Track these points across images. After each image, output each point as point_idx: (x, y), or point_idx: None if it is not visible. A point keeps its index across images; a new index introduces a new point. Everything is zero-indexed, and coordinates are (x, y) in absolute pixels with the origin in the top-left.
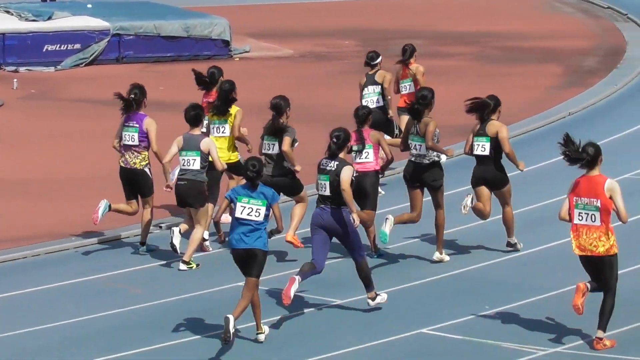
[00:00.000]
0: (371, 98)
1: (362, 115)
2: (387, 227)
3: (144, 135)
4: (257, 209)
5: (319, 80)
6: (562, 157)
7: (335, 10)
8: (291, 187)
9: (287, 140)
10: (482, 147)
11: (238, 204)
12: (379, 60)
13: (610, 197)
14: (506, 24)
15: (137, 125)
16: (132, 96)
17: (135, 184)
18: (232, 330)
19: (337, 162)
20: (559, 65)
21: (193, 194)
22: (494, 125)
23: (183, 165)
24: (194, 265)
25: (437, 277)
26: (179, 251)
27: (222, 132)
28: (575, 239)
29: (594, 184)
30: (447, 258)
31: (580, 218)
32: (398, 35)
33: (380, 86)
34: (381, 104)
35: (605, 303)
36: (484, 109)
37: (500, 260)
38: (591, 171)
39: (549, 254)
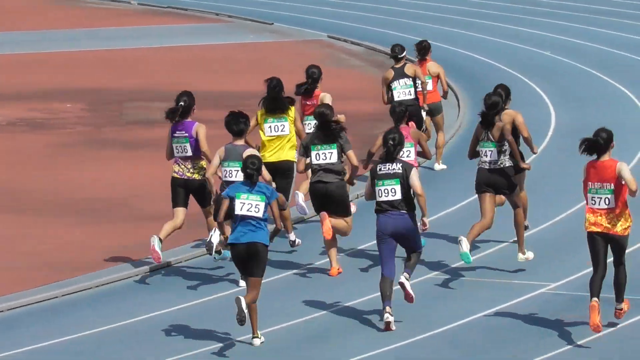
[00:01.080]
0: (403, 90)
1: (400, 113)
2: (465, 248)
3: (196, 142)
4: (256, 205)
5: (34, 156)
6: (582, 148)
7: (51, 63)
8: None
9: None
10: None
11: (237, 201)
12: (404, 54)
13: (619, 175)
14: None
15: (187, 134)
16: (182, 103)
17: (195, 194)
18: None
19: (401, 164)
20: (347, 134)
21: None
22: (509, 115)
23: (225, 176)
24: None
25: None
26: (214, 250)
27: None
28: (591, 217)
29: (606, 168)
30: (531, 255)
31: (594, 202)
32: (136, 96)
33: (411, 79)
34: (413, 96)
35: (619, 276)
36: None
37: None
38: (603, 156)
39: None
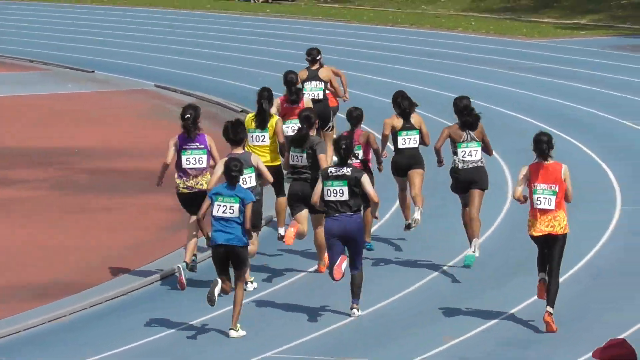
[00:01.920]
0: (314, 92)
1: (357, 117)
2: (477, 251)
3: (210, 155)
4: (230, 206)
5: None
6: (537, 151)
7: None
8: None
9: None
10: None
11: (215, 203)
12: (320, 56)
13: (564, 180)
14: (98, 136)
15: (203, 146)
16: (188, 116)
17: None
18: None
19: (351, 169)
20: (172, 196)
21: (256, 216)
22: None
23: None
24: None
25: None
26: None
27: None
28: (533, 221)
29: (552, 171)
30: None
31: (539, 202)
32: None
33: (323, 82)
34: (322, 98)
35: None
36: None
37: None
38: (548, 159)
39: None
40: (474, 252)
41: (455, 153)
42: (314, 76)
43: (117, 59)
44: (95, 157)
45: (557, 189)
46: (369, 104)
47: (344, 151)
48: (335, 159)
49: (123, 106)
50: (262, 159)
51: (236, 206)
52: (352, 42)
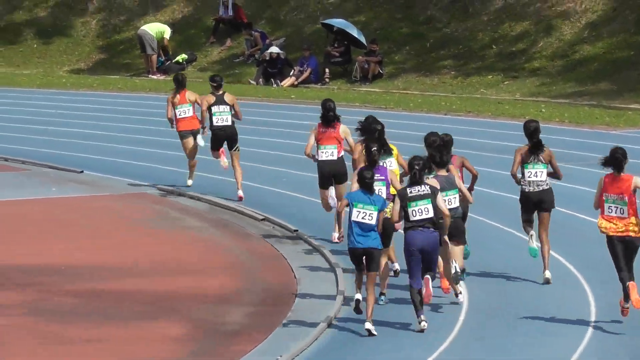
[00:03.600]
0: (222, 116)
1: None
2: (535, 243)
3: (389, 187)
4: (369, 214)
5: None
6: (605, 163)
7: None
8: None
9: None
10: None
11: (354, 209)
12: (223, 82)
13: (634, 191)
14: (87, 250)
15: (383, 178)
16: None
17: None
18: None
19: (429, 186)
20: (180, 322)
21: (461, 230)
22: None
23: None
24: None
25: None
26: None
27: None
28: (605, 223)
29: (623, 182)
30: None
31: (610, 211)
32: None
33: (229, 106)
34: (230, 122)
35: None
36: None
37: None
38: (621, 171)
39: None
40: (539, 245)
41: (522, 174)
42: (221, 101)
43: (110, 157)
44: (81, 277)
45: (627, 199)
46: None
47: (419, 168)
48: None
49: (116, 213)
50: None
51: (375, 214)
52: (401, 135)
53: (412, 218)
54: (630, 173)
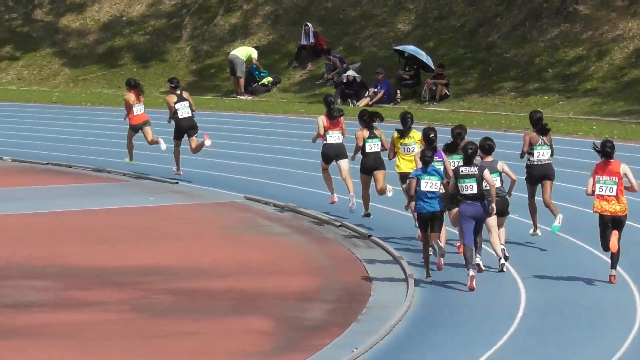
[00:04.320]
0: (184, 110)
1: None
2: (558, 222)
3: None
4: (435, 183)
5: None
6: (599, 153)
7: None
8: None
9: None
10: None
11: (422, 181)
12: (179, 83)
13: (624, 175)
14: (181, 253)
15: (441, 159)
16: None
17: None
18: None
19: (477, 167)
20: (266, 318)
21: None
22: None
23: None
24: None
25: None
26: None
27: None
28: (599, 202)
29: (613, 166)
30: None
31: (601, 190)
32: (4, 274)
33: (188, 102)
34: (190, 114)
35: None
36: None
37: None
38: (610, 158)
39: None
40: (559, 223)
41: (531, 154)
42: (182, 98)
43: (203, 169)
44: (177, 277)
45: (616, 180)
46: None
47: (470, 154)
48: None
49: (209, 220)
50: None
51: (438, 182)
52: None
53: (462, 192)
54: (617, 160)
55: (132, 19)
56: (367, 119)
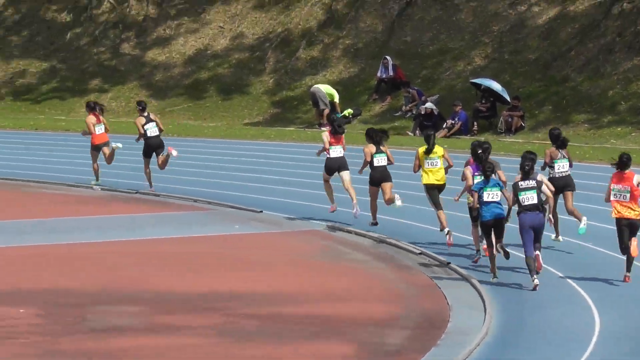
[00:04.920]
0: (153, 129)
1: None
2: (584, 224)
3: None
4: (496, 193)
5: None
6: (616, 165)
7: None
8: None
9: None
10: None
11: (484, 193)
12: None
13: (638, 185)
14: (265, 280)
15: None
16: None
17: None
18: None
19: (535, 180)
20: (347, 343)
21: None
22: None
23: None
24: None
25: None
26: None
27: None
28: (616, 208)
29: (627, 176)
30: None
31: (615, 197)
32: (99, 299)
33: (155, 122)
34: (158, 132)
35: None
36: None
37: None
38: (625, 169)
39: None
40: (584, 225)
41: (552, 167)
42: (149, 119)
43: (286, 198)
44: (260, 302)
45: (629, 189)
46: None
47: (528, 168)
48: None
49: (291, 248)
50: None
51: (499, 193)
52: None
53: (523, 203)
54: (632, 171)
55: (217, 52)
56: (378, 139)
